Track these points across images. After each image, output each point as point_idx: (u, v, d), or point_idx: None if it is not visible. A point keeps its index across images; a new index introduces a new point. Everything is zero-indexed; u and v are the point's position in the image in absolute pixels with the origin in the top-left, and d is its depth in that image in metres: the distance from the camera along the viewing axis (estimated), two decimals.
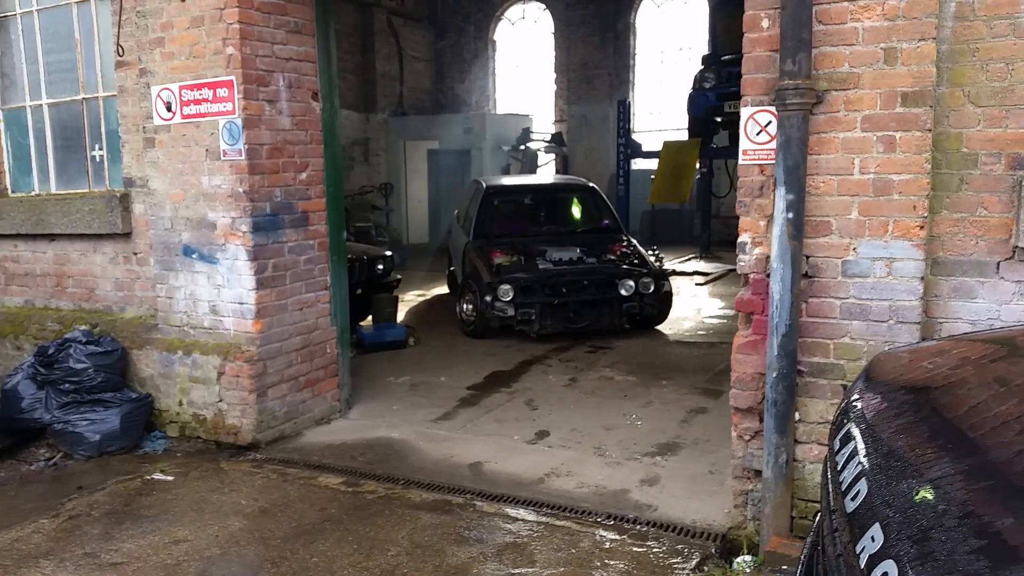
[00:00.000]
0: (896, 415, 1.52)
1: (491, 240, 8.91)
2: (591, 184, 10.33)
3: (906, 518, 1.18)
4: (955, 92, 3.29)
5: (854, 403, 1.69)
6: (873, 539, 1.19)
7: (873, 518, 1.23)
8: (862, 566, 1.17)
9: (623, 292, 8.02)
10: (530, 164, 17.85)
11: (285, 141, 5.25)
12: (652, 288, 8.15)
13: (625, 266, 8.34)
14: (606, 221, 9.73)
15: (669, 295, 8.52)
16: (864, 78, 3.34)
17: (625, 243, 9.03)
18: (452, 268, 10.96)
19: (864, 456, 1.42)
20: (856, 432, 1.54)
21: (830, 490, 1.52)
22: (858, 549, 1.20)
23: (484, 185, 9.95)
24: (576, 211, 10.04)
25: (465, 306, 8.48)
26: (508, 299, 7.82)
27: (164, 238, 5.41)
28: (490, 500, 4.29)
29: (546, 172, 18.42)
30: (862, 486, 1.33)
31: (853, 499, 1.32)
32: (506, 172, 17.24)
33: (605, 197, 10.15)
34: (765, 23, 3.49)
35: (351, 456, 5.02)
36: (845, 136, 3.41)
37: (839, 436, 1.60)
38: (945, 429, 1.43)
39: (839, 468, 1.48)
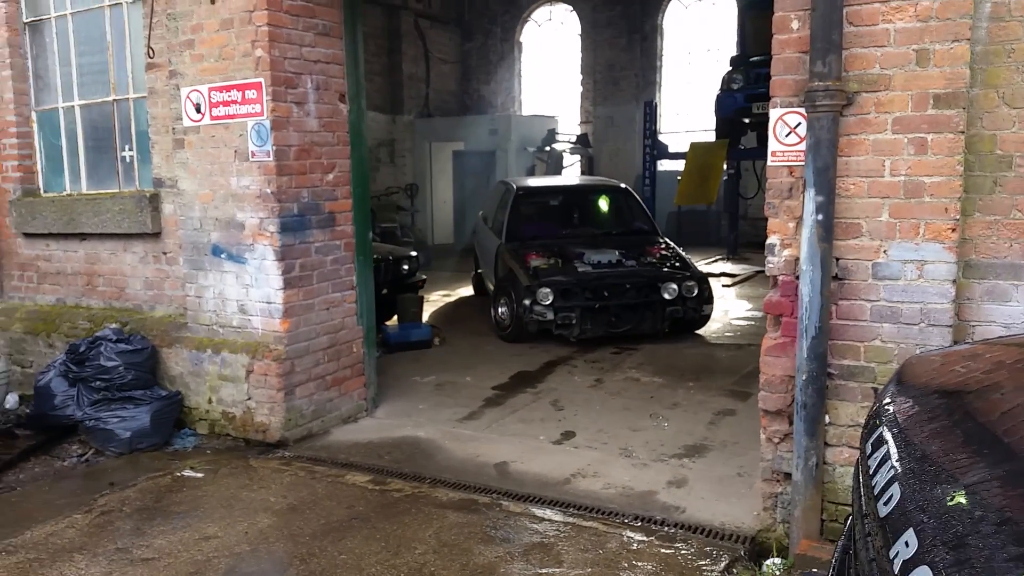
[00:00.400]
0: (929, 419, 1.51)
1: (525, 242, 8.72)
2: (624, 185, 10.13)
3: (941, 524, 1.16)
4: (989, 94, 3.25)
5: (886, 406, 1.68)
6: (907, 544, 1.18)
7: (907, 523, 1.22)
8: (896, 572, 1.16)
9: (666, 296, 7.86)
10: (555, 165, 17.85)
11: (312, 143, 5.29)
12: (696, 291, 7.95)
13: (667, 269, 8.15)
14: (640, 223, 9.57)
15: (712, 298, 8.31)
16: (895, 80, 3.31)
17: (663, 245, 8.82)
18: (479, 270, 10.84)
19: (897, 460, 1.41)
20: (888, 436, 1.52)
21: (862, 494, 1.51)
22: (892, 554, 1.19)
23: (515, 186, 9.77)
24: (610, 213, 9.83)
25: (500, 310, 8.31)
26: (547, 303, 7.64)
27: (193, 238, 5.48)
28: (516, 500, 4.30)
29: (572, 173, 18.40)
30: (895, 491, 1.31)
31: (886, 503, 1.31)
32: (531, 173, 17.24)
33: (639, 198, 9.98)
34: (795, 24, 3.47)
35: (378, 455, 5.05)
36: (876, 138, 3.38)
37: (871, 440, 1.59)
38: (979, 434, 1.41)
39: (871, 472, 1.46)
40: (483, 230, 10.46)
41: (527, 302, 7.70)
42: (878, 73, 3.34)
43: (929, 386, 1.77)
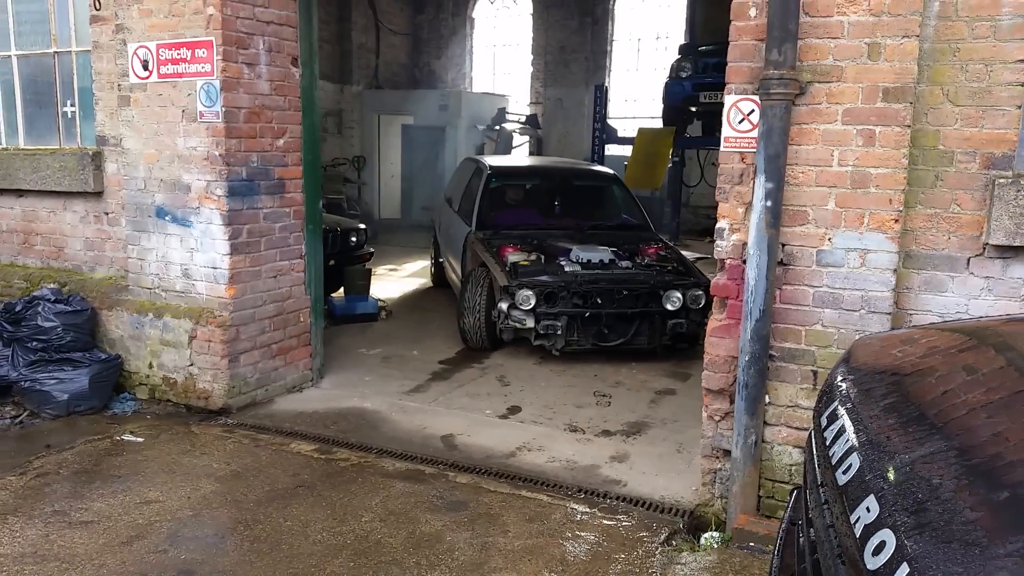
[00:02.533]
0: (883, 395, 1.59)
1: (499, 232, 7.51)
2: (612, 172, 8.96)
3: (901, 490, 1.24)
4: (935, 90, 3.37)
5: (839, 384, 1.76)
6: (868, 510, 1.25)
7: (867, 490, 1.29)
8: (857, 535, 1.23)
9: (668, 306, 6.54)
10: (505, 145, 17.82)
11: (263, 106, 5.19)
12: (703, 302, 6.54)
13: (669, 274, 6.81)
14: (632, 218, 8.31)
15: None
16: (847, 72, 3.41)
17: (660, 245, 7.62)
18: (440, 259, 9.59)
19: (853, 433, 1.48)
20: (842, 411, 1.60)
21: (817, 465, 1.58)
22: (852, 519, 1.26)
23: (487, 166, 8.50)
24: (598, 203, 8.56)
25: (467, 313, 6.90)
26: (529, 307, 6.36)
27: (137, 199, 5.34)
28: (462, 471, 4.34)
29: (521, 154, 18.39)
30: (853, 460, 1.38)
31: (845, 472, 1.38)
32: (480, 152, 17.16)
33: (631, 192, 8.61)
34: (752, 12, 3.54)
35: (323, 424, 5.03)
36: (826, 128, 3.48)
37: (826, 414, 1.66)
38: (930, 409, 1.50)
39: (828, 443, 1.54)
40: (447, 214, 9.22)
41: (504, 305, 6.46)
42: (831, 64, 3.43)
43: (874, 367, 1.86)
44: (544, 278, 6.51)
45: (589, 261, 6.82)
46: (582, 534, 3.67)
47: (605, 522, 3.80)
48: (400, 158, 18.23)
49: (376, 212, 17.55)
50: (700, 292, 6.55)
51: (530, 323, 6.42)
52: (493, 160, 9.28)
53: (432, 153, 16.77)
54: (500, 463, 4.50)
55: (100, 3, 5.40)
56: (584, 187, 8.71)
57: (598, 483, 4.30)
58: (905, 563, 1.11)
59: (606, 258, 6.88)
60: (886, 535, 1.18)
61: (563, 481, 4.28)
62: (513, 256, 6.92)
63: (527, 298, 6.35)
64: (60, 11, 5.84)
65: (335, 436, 4.83)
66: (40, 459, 4.39)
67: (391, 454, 4.56)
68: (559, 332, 6.41)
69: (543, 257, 7.02)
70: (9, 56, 6.15)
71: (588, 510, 3.92)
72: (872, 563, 1.16)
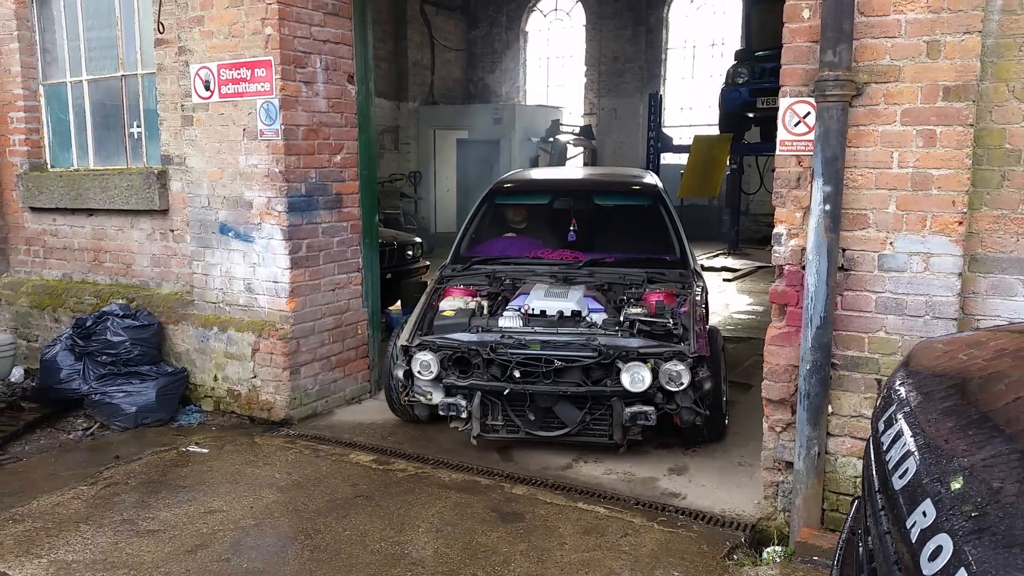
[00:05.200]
0: (942, 399, 1.54)
1: (469, 268, 5.64)
2: (653, 182, 6.48)
3: (959, 494, 1.20)
4: (999, 87, 3.27)
5: (896, 388, 1.71)
6: (924, 514, 1.21)
7: (924, 494, 1.25)
8: (913, 540, 1.19)
9: (627, 384, 4.39)
10: (559, 156, 17.86)
11: (321, 123, 5.31)
12: (685, 381, 4.39)
13: (636, 338, 4.59)
14: (663, 247, 5.78)
15: (718, 392, 4.76)
16: (905, 71, 3.33)
17: (679, 286, 5.26)
18: None
19: (911, 437, 1.44)
20: (900, 416, 1.56)
21: (874, 471, 1.54)
22: (908, 524, 1.22)
23: (501, 180, 6.76)
24: (626, 228, 6.30)
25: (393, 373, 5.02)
26: (429, 377, 4.63)
27: (201, 216, 5.50)
28: (518, 483, 4.34)
29: (575, 165, 18.40)
30: (910, 464, 1.35)
31: (901, 477, 1.34)
32: (535, 164, 17.24)
33: (673, 211, 5.97)
34: (806, 13, 3.48)
35: (381, 435, 5.08)
36: (884, 129, 3.40)
37: (883, 418, 1.62)
38: (994, 413, 1.45)
39: (885, 448, 1.50)
40: None
41: (399, 373, 4.78)
42: (888, 64, 3.35)
43: (935, 371, 1.80)
44: (457, 336, 4.69)
45: (544, 311, 4.83)
46: (641, 547, 3.62)
47: (664, 535, 3.74)
48: (455, 172, 18.45)
49: (432, 226, 17.75)
50: (680, 368, 4.37)
51: (437, 398, 4.69)
52: (513, 173, 7.50)
53: (487, 166, 16.90)
54: (556, 475, 4.48)
55: (164, 26, 5.59)
56: (612, 208, 6.58)
57: (656, 496, 4.24)
58: (963, 568, 1.07)
59: (567, 309, 4.82)
60: (943, 540, 1.14)
61: (620, 493, 4.24)
62: (449, 303, 5.11)
63: (427, 364, 4.61)
64: (127, 36, 6.07)
65: (392, 447, 4.88)
66: (110, 469, 4.53)
67: (447, 465, 4.58)
68: (464, 414, 4.61)
69: (489, 305, 5.15)
70: (80, 81, 6.41)
71: (646, 523, 3.87)
72: (928, 568, 1.12)
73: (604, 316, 4.87)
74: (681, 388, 4.41)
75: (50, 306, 6.43)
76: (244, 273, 5.35)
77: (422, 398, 4.73)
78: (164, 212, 5.90)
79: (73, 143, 6.56)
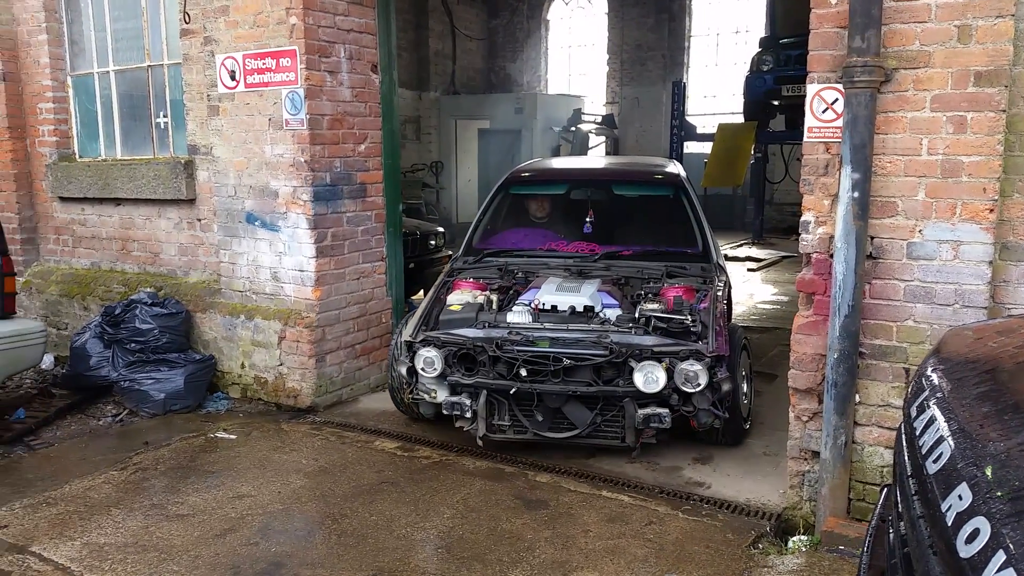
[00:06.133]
0: (975, 384, 1.53)
1: (480, 260, 5.41)
2: (679, 173, 6.09)
3: (996, 478, 1.19)
4: None
5: (929, 375, 1.70)
6: (960, 498, 1.21)
7: (959, 478, 1.24)
8: (949, 523, 1.19)
9: (640, 385, 4.17)
10: (581, 146, 17.79)
11: (345, 112, 5.33)
12: (702, 382, 4.15)
13: (651, 336, 4.36)
14: (684, 240, 5.54)
15: (735, 395, 4.48)
16: (935, 56, 3.28)
17: (700, 281, 4.99)
18: None
19: (944, 422, 1.43)
20: (933, 401, 1.55)
21: (906, 457, 1.54)
22: (944, 508, 1.22)
23: (516, 170, 6.44)
24: (646, 220, 6.04)
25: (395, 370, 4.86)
26: (433, 374, 4.42)
27: (227, 205, 5.55)
28: (542, 471, 4.35)
29: (596, 154, 18.33)
30: (944, 449, 1.34)
31: (935, 461, 1.34)
32: (556, 153, 17.18)
33: (696, 201, 5.73)
34: None
35: (405, 423, 5.11)
36: (913, 116, 3.36)
37: (915, 404, 1.61)
38: (1010, 406, 1.44)
39: (918, 433, 1.49)
40: None
41: (402, 369, 4.57)
42: (918, 49, 3.31)
43: (967, 358, 1.79)
44: (462, 332, 4.49)
45: (555, 307, 4.62)
46: (665, 536, 3.63)
47: (689, 524, 3.75)
48: (476, 162, 18.41)
49: (454, 216, 17.75)
50: (697, 368, 4.13)
51: (441, 396, 4.48)
52: (529, 163, 7.16)
53: (508, 156, 16.85)
54: (580, 463, 4.48)
55: (189, 17, 5.63)
56: (632, 198, 6.30)
57: (680, 485, 4.24)
58: (1001, 550, 1.07)
59: (579, 304, 4.60)
60: (980, 523, 1.14)
61: (644, 482, 4.24)
62: (457, 297, 4.87)
63: (431, 360, 4.42)
64: (153, 27, 6.12)
65: (416, 434, 4.91)
66: (139, 455, 4.60)
67: (471, 453, 4.60)
68: (468, 413, 4.40)
69: (499, 300, 4.93)
70: (108, 72, 6.47)
71: (671, 511, 3.88)
72: (965, 551, 1.12)
73: (618, 312, 4.62)
74: (698, 389, 4.16)
75: (79, 294, 6.52)
76: (270, 262, 5.40)
77: (426, 396, 4.52)
78: (191, 201, 5.95)
79: (101, 133, 6.64)
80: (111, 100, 6.51)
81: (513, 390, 4.30)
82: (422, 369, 4.44)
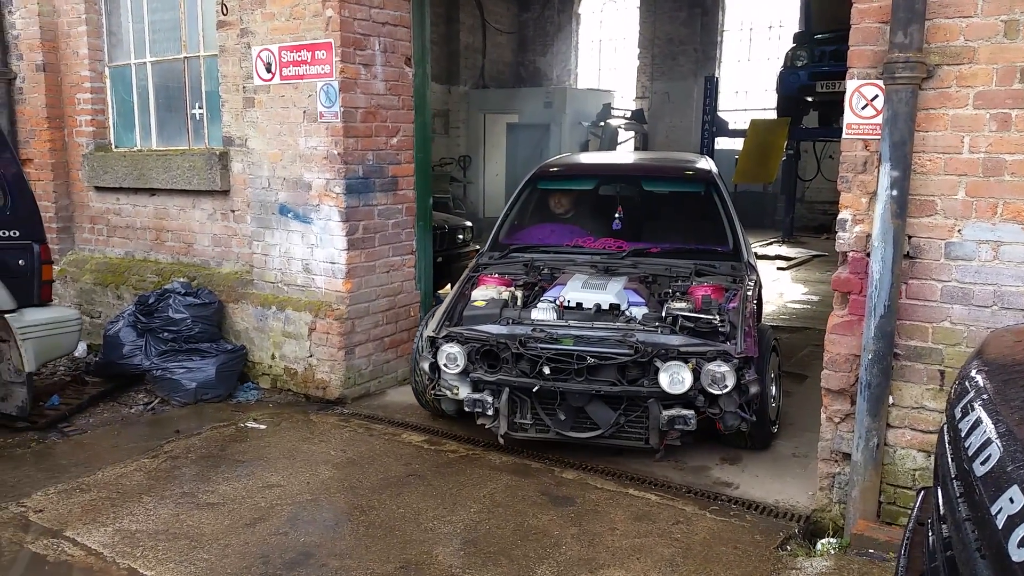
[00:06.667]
0: (1021, 386, 1.50)
1: (506, 255, 5.36)
2: (710, 170, 5.92)
3: None
4: None
5: (973, 376, 1.67)
6: (1012, 500, 1.19)
7: (1010, 481, 1.22)
8: (1000, 526, 1.17)
9: (666, 385, 4.06)
10: (609, 141, 17.71)
11: (379, 105, 5.34)
12: (729, 384, 4.03)
13: (678, 335, 4.25)
14: (714, 238, 5.40)
15: (763, 398, 4.36)
16: (980, 52, 3.22)
17: (729, 280, 4.87)
18: None
19: (992, 424, 1.40)
20: (978, 403, 1.52)
21: (951, 458, 1.51)
22: (994, 511, 1.20)
23: (545, 165, 6.37)
24: (676, 217, 5.98)
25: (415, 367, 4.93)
26: (457, 370, 4.37)
27: (261, 196, 5.59)
28: (569, 467, 4.34)
29: (625, 149, 18.24)
30: (992, 451, 1.32)
31: (983, 463, 1.31)
32: (585, 148, 17.12)
33: (727, 198, 5.58)
34: None
35: (431, 417, 5.12)
36: (955, 113, 3.30)
37: (959, 406, 1.58)
38: None
39: (963, 436, 1.47)
40: None
41: (425, 365, 4.50)
42: (962, 45, 3.24)
43: (1012, 359, 1.76)
44: (486, 328, 4.43)
45: (580, 304, 4.55)
46: (693, 535, 3.60)
47: (716, 524, 3.72)
48: (505, 156, 18.39)
49: (481, 211, 17.76)
50: (724, 369, 4.02)
51: (463, 393, 4.41)
52: (559, 158, 7.09)
53: (536, 151, 16.82)
54: (607, 460, 4.46)
55: (227, 8, 5.66)
56: (662, 194, 6.18)
57: (708, 484, 4.21)
58: None
59: (605, 302, 4.52)
60: None
61: (672, 481, 4.22)
62: (481, 292, 4.83)
63: (453, 357, 4.37)
64: (190, 18, 6.18)
65: (443, 428, 4.92)
66: (170, 443, 4.66)
67: (497, 448, 4.58)
68: (489, 411, 4.33)
69: (525, 295, 4.87)
70: (144, 63, 6.55)
71: (698, 511, 3.85)
72: (1018, 555, 1.09)
73: (645, 310, 4.52)
74: (725, 391, 4.03)
75: (113, 283, 6.61)
76: (302, 254, 5.43)
77: (448, 392, 4.44)
78: (225, 193, 6.00)
79: (137, 124, 6.72)
80: (147, 91, 6.58)
81: (536, 388, 4.21)
82: (444, 365, 4.38)
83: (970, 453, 1.38)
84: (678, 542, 3.54)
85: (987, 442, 1.36)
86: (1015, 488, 1.19)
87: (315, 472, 4.23)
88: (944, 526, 1.49)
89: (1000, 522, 1.17)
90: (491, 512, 3.79)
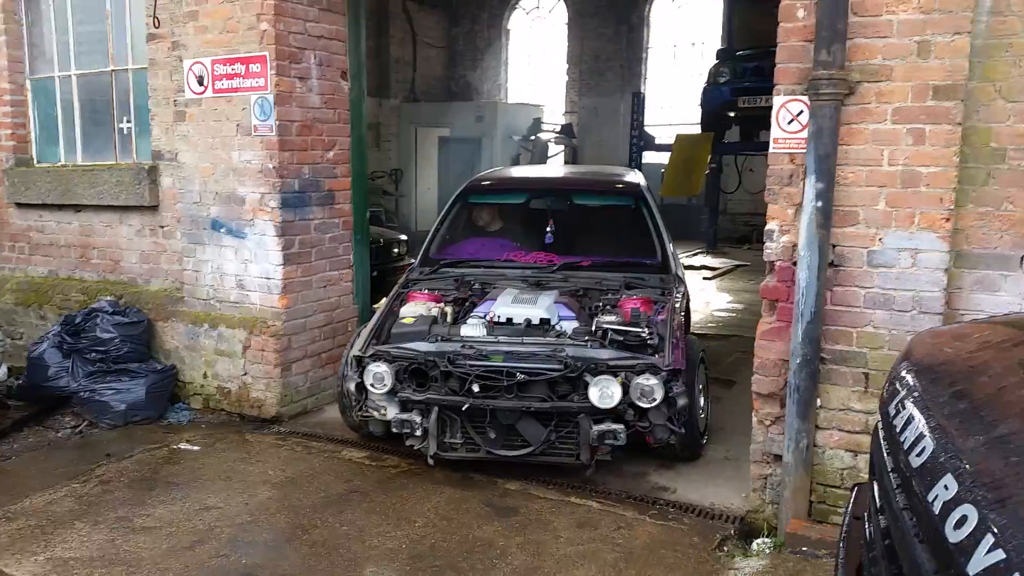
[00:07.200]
0: (949, 384, 1.61)
1: (436, 271, 5.33)
2: (639, 183, 6.08)
3: (979, 469, 1.27)
4: (986, 87, 3.35)
5: (903, 376, 1.78)
6: (946, 488, 1.29)
7: (943, 470, 1.32)
8: (936, 512, 1.26)
9: (596, 400, 4.05)
10: (540, 155, 17.92)
11: (315, 119, 5.31)
12: (658, 397, 4.06)
13: (608, 349, 4.25)
14: (641, 250, 5.47)
15: (692, 409, 4.36)
16: (896, 71, 3.40)
17: (658, 292, 4.97)
18: None
19: (924, 419, 1.51)
20: (910, 400, 1.63)
21: (887, 453, 1.61)
22: (930, 498, 1.29)
23: (475, 179, 6.38)
24: (605, 229, 6.02)
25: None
26: (383, 390, 4.28)
27: (192, 212, 5.48)
28: (511, 478, 4.37)
29: (555, 163, 18.46)
30: (926, 443, 1.42)
31: (918, 455, 1.41)
32: (516, 162, 17.27)
33: (656, 211, 5.69)
34: (801, 13, 3.54)
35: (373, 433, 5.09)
36: (875, 127, 3.47)
37: (892, 404, 1.69)
38: (991, 398, 1.52)
39: (898, 431, 1.57)
40: None
41: (351, 386, 4.43)
42: (880, 63, 3.42)
43: (934, 360, 1.87)
44: (414, 346, 4.35)
45: (509, 319, 4.51)
46: (634, 540, 3.68)
47: (656, 528, 3.80)
48: (437, 170, 18.41)
49: (413, 224, 17.72)
50: (653, 382, 4.04)
51: (391, 413, 4.34)
52: (490, 172, 7.24)
53: (468, 165, 16.88)
54: (548, 470, 4.48)
55: (159, 20, 5.55)
56: (592, 208, 6.15)
57: (647, 490, 4.29)
58: (989, 534, 1.15)
59: (535, 316, 4.50)
60: (967, 510, 1.22)
61: (611, 488, 4.29)
62: (410, 308, 4.77)
63: (380, 376, 4.27)
64: (117, 31, 6.04)
65: (384, 444, 4.86)
66: (101, 467, 4.52)
67: (439, 461, 4.58)
68: (418, 431, 4.26)
69: (451, 312, 4.82)
70: (69, 75, 6.36)
71: (638, 516, 3.93)
72: (954, 536, 1.19)
73: (575, 324, 4.53)
74: (653, 404, 4.05)
75: (36, 303, 6.38)
76: (236, 269, 5.35)
77: (375, 413, 4.36)
78: (154, 208, 5.87)
79: (61, 138, 6.51)
80: (72, 104, 6.39)
81: (465, 406, 4.14)
82: (371, 385, 4.29)
83: (905, 447, 1.48)
84: (620, 547, 3.60)
85: (920, 436, 1.46)
86: (949, 476, 1.30)
87: (254, 493, 4.16)
88: (882, 517, 1.59)
89: (936, 508, 1.27)
90: (436, 526, 3.79)
